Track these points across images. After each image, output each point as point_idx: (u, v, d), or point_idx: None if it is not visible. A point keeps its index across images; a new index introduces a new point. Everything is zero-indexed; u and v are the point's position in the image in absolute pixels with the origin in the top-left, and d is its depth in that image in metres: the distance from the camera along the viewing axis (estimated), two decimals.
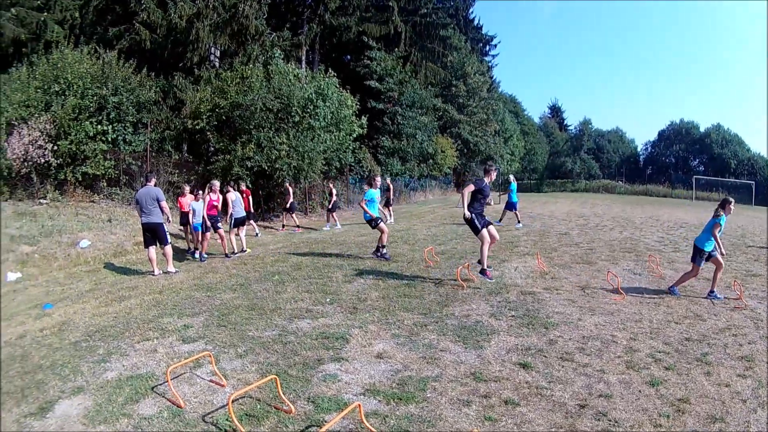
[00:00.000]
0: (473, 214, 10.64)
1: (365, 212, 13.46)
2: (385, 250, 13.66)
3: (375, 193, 13.62)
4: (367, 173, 34.60)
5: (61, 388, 6.28)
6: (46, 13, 27.79)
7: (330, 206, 22.31)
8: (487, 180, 10.98)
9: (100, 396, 6.00)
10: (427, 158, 43.43)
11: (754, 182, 56.97)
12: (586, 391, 5.80)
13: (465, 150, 51.06)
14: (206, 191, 15.79)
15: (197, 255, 15.38)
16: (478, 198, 10.79)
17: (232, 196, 15.99)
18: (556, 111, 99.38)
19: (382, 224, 13.46)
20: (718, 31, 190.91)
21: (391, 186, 24.10)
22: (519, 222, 21.33)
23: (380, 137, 39.35)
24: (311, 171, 24.95)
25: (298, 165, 23.86)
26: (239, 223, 16.09)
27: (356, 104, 29.05)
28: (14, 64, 23.82)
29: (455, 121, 49.79)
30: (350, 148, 29.21)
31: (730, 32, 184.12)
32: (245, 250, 15.87)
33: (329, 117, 25.98)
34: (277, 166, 23.19)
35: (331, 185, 23.08)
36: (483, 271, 10.79)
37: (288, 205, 22.36)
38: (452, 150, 47.24)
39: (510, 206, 21.54)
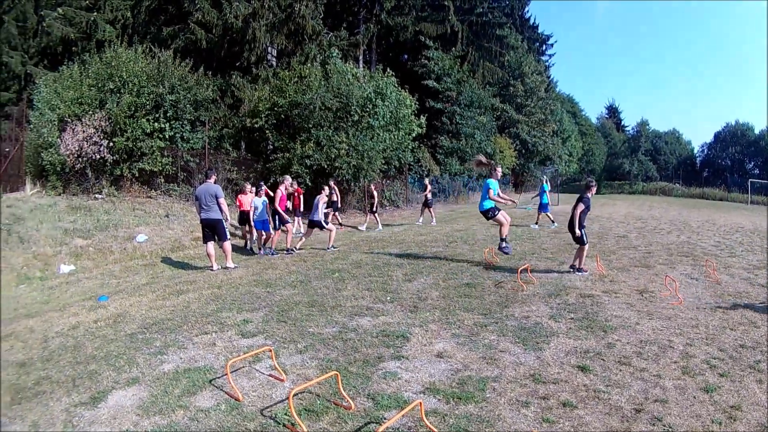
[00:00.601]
0: (582, 231, 11.14)
1: (484, 203, 12.60)
2: (505, 244, 12.77)
3: (496, 184, 12.63)
4: (425, 172, 34.48)
5: (115, 378, 6.23)
6: (95, 13, 28.40)
7: (373, 208, 22.12)
8: (589, 195, 11.37)
9: (156, 387, 5.93)
10: None
11: None
12: (643, 396, 5.74)
13: (523, 150, 50.74)
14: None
15: (263, 251, 15.41)
16: (585, 212, 11.25)
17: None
18: (613, 111, 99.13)
19: (500, 215, 12.53)
20: None
21: (429, 186, 23.57)
22: (536, 224, 21.49)
23: (439, 137, 39.26)
24: (371, 170, 24.89)
25: (357, 164, 23.84)
26: (315, 225, 15.94)
27: (415, 104, 28.91)
28: (65, 62, 24.28)
29: (513, 121, 49.57)
30: (409, 147, 29.12)
31: None
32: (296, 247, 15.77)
33: (388, 116, 25.86)
34: (336, 164, 23.20)
35: (372, 186, 22.83)
36: (580, 269, 11.40)
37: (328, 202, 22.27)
38: (511, 150, 46.98)
39: (542, 207, 21.63)
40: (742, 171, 74.22)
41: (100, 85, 21.08)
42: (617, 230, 20.42)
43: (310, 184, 22.73)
